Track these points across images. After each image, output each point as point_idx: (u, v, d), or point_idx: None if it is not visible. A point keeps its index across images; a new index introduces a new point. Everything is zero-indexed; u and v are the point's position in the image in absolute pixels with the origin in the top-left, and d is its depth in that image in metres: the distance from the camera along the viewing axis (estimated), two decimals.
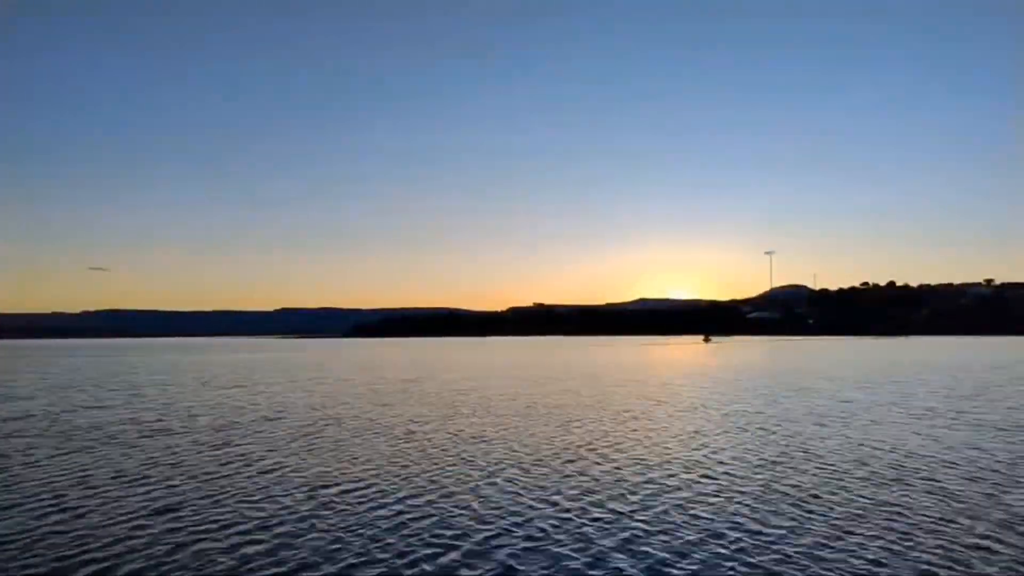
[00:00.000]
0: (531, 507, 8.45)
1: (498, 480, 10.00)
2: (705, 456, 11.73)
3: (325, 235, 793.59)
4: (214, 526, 7.66)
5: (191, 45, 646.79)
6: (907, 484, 9.45)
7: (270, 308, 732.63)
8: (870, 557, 6.49)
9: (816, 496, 8.81)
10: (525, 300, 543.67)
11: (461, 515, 8.10)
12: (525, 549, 6.85)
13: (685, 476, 10.14)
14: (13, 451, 12.80)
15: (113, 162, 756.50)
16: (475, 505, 8.56)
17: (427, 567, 6.37)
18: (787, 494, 8.92)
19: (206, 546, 6.97)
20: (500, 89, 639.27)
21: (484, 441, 13.58)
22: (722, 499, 8.70)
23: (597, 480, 9.94)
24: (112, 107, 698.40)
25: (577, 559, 6.55)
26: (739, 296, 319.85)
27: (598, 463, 11.21)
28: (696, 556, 6.58)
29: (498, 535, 7.31)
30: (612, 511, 8.22)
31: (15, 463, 11.56)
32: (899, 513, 7.97)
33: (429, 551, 6.81)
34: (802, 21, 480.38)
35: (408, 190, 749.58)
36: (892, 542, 6.91)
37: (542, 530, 7.47)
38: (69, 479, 10.21)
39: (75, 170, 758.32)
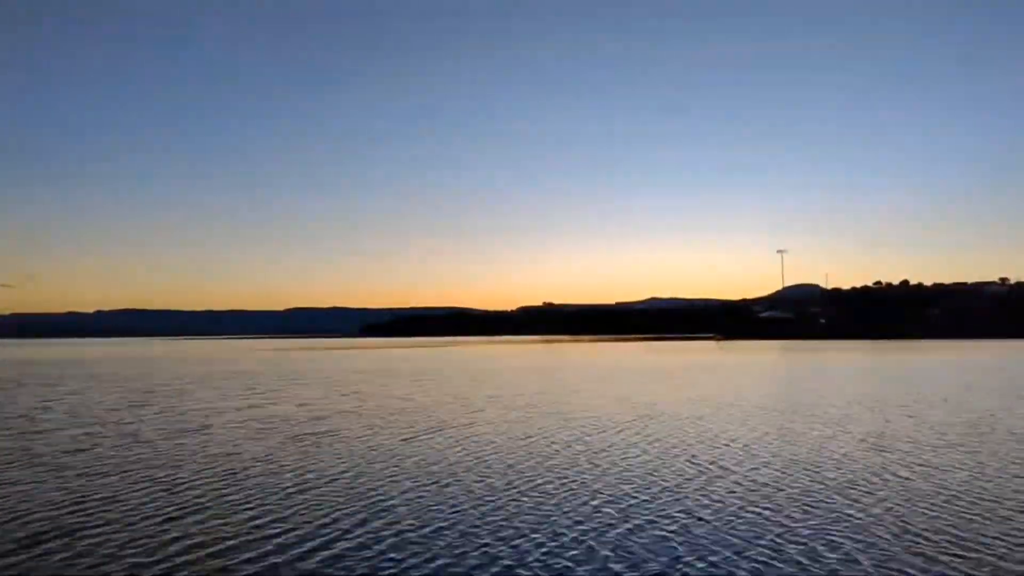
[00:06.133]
0: None
1: None
2: None
3: (336, 235, 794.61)
4: None
5: (204, 47, 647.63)
6: None
7: (281, 308, 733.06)
8: None
9: None
10: (535, 299, 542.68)
11: None
12: None
13: None
14: None
15: (119, 162, 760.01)
16: None
17: None
18: None
19: None
20: (509, 88, 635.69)
21: None
22: None
23: None
24: (118, 107, 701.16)
25: None
26: (751, 295, 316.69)
27: None
28: None
29: None
30: None
31: None
32: None
33: None
34: (815, 19, 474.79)
35: (418, 190, 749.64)
36: None
37: None
38: None
39: (79, 170, 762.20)
